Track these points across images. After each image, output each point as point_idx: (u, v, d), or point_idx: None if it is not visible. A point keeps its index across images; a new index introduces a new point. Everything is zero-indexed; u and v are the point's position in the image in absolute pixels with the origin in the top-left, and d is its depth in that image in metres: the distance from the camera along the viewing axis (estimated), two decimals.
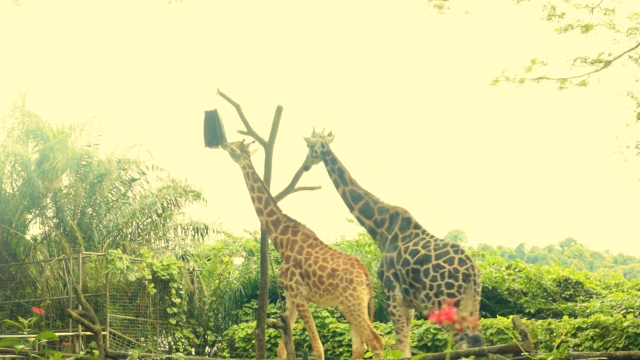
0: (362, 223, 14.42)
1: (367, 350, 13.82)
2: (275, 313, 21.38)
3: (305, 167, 15.64)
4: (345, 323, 13.91)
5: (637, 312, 17.75)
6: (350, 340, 18.65)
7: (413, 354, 16.91)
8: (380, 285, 17.52)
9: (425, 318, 15.71)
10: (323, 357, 14.55)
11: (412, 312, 13.99)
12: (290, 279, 14.51)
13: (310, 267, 14.30)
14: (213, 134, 15.94)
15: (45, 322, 22.42)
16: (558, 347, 13.65)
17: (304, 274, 14.39)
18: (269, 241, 16.31)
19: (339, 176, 14.50)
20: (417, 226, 13.73)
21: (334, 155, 14.69)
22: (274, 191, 16.28)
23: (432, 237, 13.50)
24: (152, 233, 25.89)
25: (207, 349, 23.98)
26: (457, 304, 12.54)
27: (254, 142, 15.80)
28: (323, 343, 20.19)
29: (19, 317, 10.64)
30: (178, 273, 23.17)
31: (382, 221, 13.97)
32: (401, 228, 13.74)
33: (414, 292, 13.15)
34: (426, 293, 12.84)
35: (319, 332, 20.30)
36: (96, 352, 16.99)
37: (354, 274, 13.94)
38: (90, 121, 25.59)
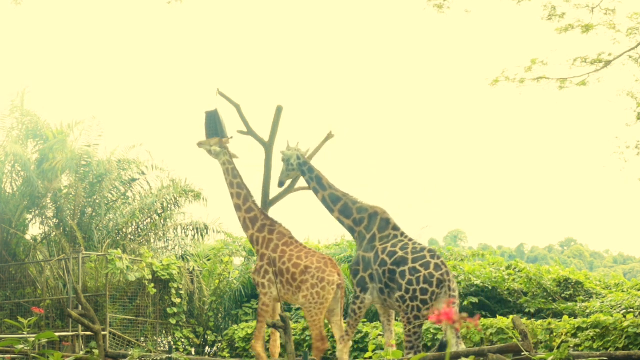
0: (342, 223, 14.56)
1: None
2: None
3: (280, 183, 15.63)
4: (344, 323, 13.90)
5: (637, 312, 17.73)
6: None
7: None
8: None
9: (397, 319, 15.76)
10: (263, 356, 14.57)
11: (393, 312, 14.07)
12: (263, 276, 14.53)
13: (284, 265, 14.32)
14: (214, 134, 15.91)
15: (45, 322, 22.41)
16: (558, 347, 13.65)
17: (277, 272, 14.40)
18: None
19: (318, 183, 14.70)
20: (395, 227, 13.87)
21: (310, 164, 14.91)
22: (274, 192, 16.27)
23: (410, 239, 13.67)
24: (152, 233, 25.87)
25: (207, 349, 23.97)
26: (427, 311, 12.75)
27: (232, 137, 15.71)
28: None
29: (19, 317, 10.64)
30: (178, 273, 23.16)
31: (361, 220, 14.13)
32: (380, 228, 13.89)
33: (388, 291, 13.34)
34: (401, 295, 13.04)
35: None
36: (96, 352, 16.99)
37: (327, 273, 13.96)
38: (90, 121, 25.63)
